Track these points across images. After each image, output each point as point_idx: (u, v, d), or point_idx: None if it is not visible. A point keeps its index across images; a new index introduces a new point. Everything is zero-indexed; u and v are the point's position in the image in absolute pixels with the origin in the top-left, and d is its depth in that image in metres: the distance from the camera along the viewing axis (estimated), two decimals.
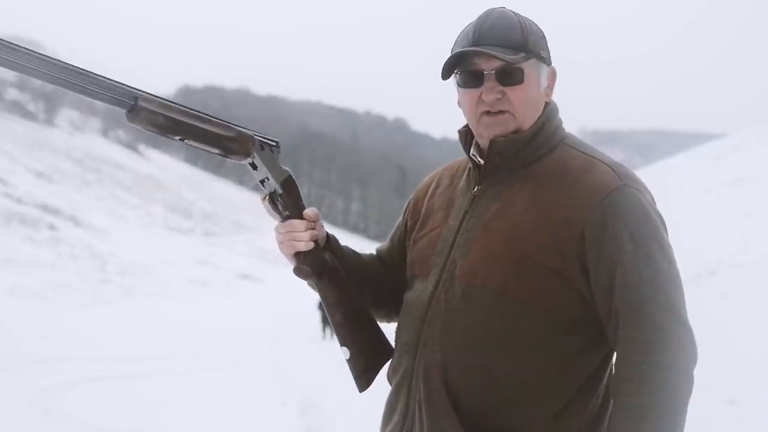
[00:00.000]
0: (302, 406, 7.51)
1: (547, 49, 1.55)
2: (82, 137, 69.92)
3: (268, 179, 1.58)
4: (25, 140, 51.90)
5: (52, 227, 26.69)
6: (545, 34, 1.57)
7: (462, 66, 1.52)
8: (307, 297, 22.18)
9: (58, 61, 1.40)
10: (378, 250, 1.81)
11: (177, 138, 1.49)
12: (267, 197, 1.60)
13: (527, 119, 1.52)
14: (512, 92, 1.49)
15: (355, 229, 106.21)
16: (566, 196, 1.45)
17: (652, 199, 1.50)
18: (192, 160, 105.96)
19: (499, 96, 1.50)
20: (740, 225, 11.65)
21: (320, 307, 17.21)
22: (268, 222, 1.66)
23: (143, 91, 1.46)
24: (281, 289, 30.88)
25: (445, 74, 1.53)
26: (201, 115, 1.52)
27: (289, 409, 7.38)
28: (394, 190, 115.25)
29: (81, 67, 1.42)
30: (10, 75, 71.60)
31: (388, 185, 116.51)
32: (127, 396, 7.42)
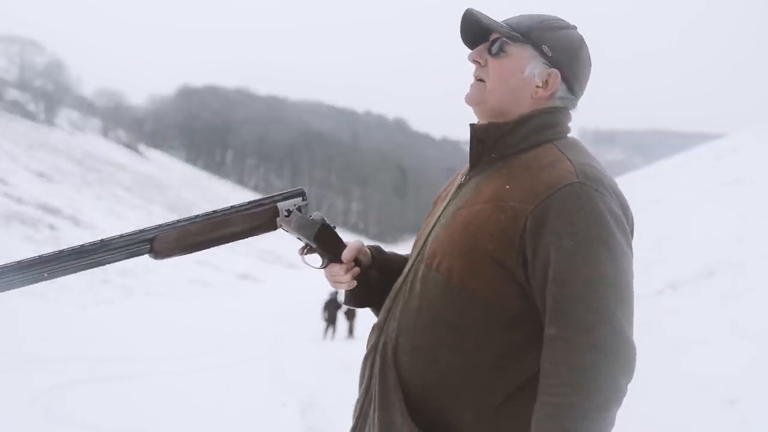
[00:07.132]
0: (302, 406, 7.51)
1: (558, 52, 1.55)
2: (82, 137, 69.82)
3: (300, 238, 1.65)
4: (26, 140, 51.87)
5: (52, 227, 26.66)
6: (569, 44, 1.57)
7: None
8: (307, 297, 22.17)
9: (67, 251, 1.43)
10: None
11: (204, 249, 1.55)
12: (305, 250, 1.69)
13: (495, 94, 1.55)
14: (492, 63, 1.55)
15: (355, 228, 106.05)
16: (523, 189, 1.44)
17: (619, 205, 1.44)
18: (192, 160, 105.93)
19: (482, 63, 1.57)
20: (739, 225, 11.64)
21: (326, 307, 17.12)
22: None
23: (157, 228, 1.50)
24: (281, 289, 30.90)
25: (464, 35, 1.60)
26: (220, 218, 1.55)
27: (289, 409, 7.38)
28: (394, 190, 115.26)
29: (89, 243, 1.46)
30: (10, 75, 71.67)
31: (388, 185, 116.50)
32: (127, 396, 7.42)
